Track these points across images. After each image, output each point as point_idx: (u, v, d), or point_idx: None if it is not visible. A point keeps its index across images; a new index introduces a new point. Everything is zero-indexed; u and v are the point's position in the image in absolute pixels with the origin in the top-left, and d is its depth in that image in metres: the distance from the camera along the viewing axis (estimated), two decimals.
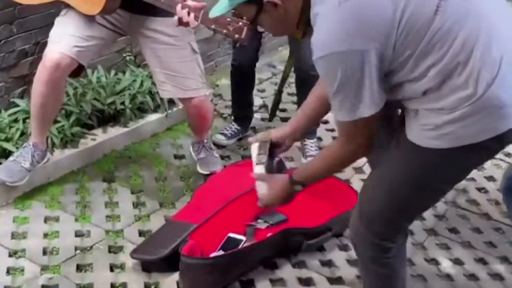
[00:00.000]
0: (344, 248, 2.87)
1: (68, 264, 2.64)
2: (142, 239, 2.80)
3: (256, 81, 3.77)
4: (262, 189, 2.20)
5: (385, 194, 1.96)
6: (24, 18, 3.27)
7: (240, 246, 2.65)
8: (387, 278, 2.15)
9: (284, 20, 1.84)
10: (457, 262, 2.87)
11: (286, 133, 2.26)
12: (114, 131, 3.46)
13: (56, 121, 3.17)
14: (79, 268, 2.64)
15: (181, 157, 3.48)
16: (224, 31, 2.41)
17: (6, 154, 3.03)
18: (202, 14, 2.51)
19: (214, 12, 1.94)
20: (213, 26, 2.44)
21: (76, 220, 2.91)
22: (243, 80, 3.66)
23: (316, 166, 2.09)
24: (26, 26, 3.29)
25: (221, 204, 2.80)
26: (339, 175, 3.32)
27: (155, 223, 2.92)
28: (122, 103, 3.49)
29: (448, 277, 2.78)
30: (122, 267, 2.66)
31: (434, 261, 2.86)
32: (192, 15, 2.53)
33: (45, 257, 2.67)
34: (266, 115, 3.95)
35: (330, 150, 2.02)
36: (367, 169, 2.43)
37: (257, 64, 3.65)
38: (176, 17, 2.56)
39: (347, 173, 3.33)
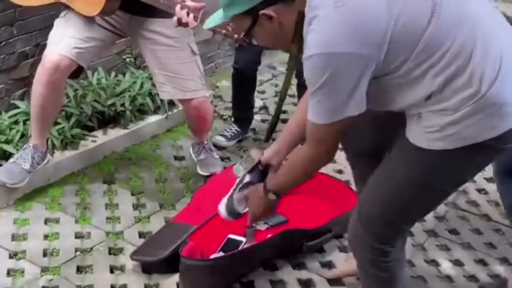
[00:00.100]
0: (344, 249, 2.86)
1: (68, 265, 2.64)
2: (142, 240, 2.80)
3: (257, 83, 3.76)
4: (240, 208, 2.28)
5: (386, 196, 1.96)
6: (25, 20, 3.28)
7: (240, 248, 2.65)
8: (386, 282, 2.15)
9: (279, 33, 1.84)
10: (457, 263, 2.87)
11: (269, 155, 2.25)
12: (114, 133, 3.46)
13: (56, 123, 3.17)
14: (79, 269, 2.64)
15: (181, 158, 3.48)
16: (223, 31, 2.41)
17: (6, 156, 3.03)
18: (201, 15, 2.52)
19: (209, 23, 1.96)
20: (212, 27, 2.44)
21: (76, 221, 2.91)
22: (244, 83, 3.65)
23: (284, 173, 2.08)
24: (26, 28, 3.30)
25: None
26: (339, 175, 3.32)
27: (155, 224, 2.92)
28: (122, 104, 3.49)
29: (448, 278, 2.77)
30: (122, 268, 2.66)
31: (434, 262, 2.86)
32: (191, 15, 2.53)
33: (45, 259, 2.67)
34: (266, 117, 3.95)
35: (298, 155, 2.01)
36: None
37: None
38: (175, 18, 2.56)
39: (347, 174, 3.32)
